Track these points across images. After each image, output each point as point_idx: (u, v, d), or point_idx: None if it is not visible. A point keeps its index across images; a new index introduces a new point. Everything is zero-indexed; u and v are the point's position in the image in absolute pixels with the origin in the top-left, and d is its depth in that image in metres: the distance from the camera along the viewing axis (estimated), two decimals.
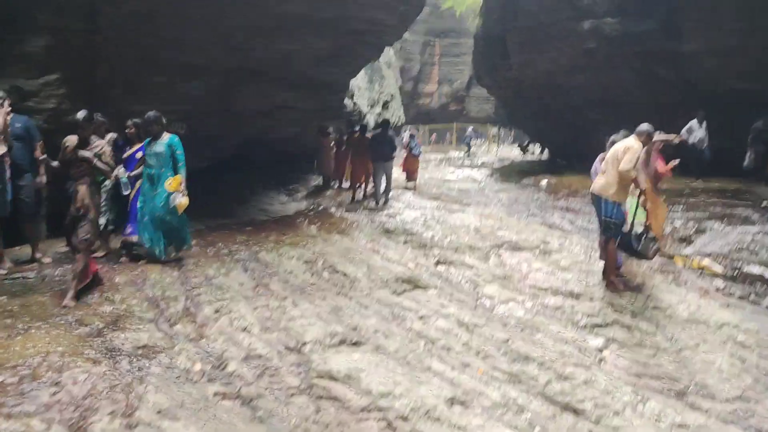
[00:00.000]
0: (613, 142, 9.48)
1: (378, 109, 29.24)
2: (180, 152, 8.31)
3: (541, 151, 31.09)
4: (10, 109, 7.46)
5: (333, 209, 13.63)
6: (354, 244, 10.20)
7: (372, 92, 28.94)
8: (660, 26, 19.65)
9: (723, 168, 17.10)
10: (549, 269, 9.53)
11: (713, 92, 19.33)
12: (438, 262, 9.80)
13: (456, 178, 21.93)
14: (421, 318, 7.43)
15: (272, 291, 7.76)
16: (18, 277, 7.65)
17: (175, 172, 8.27)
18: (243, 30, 10.86)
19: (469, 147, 34.83)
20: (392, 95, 31.80)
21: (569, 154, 25.44)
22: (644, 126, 8.82)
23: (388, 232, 11.22)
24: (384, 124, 14.44)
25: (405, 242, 10.66)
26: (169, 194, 8.17)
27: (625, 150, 8.44)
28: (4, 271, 7.76)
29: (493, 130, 46.38)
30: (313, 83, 13.20)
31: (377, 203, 14.08)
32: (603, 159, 9.43)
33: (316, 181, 18.41)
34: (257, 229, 11.21)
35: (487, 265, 9.78)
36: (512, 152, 35.77)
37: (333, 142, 16.87)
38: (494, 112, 48.75)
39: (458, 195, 16.82)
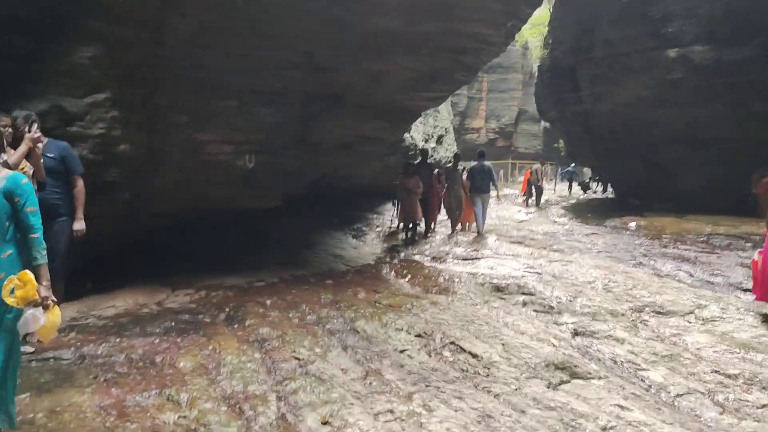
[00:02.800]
0: None
1: (432, 143, 27.12)
2: (29, 199, 3.82)
3: (604, 190, 28.64)
4: (39, 134, 5.28)
5: (417, 257, 11.45)
6: (468, 308, 7.89)
7: (426, 126, 27.01)
8: (759, 53, 17.33)
9: None
10: (724, 346, 7.09)
11: None
12: (576, 333, 7.46)
13: (529, 218, 19.58)
14: (604, 430, 5.10)
15: (388, 383, 5.49)
16: (50, 359, 5.53)
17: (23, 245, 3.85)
18: (326, 49, 8.83)
19: (571, 184, 31.82)
20: (446, 129, 29.67)
21: (644, 194, 23.03)
22: None
23: (499, 290, 8.91)
24: (480, 155, 13.98)
25: (524, 304, 8.34)
26: (16, 312, 3.74)
27: None
28: (32, 349, 5.62)
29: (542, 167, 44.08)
30: (401, 112, 11.14)
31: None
32: None
33: (387, 223, 16.30)
34: (340, 282, 9.02)
35: (640, 338, 7.39)
36: (564, 189, 33.29)
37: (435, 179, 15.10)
38: (543, 148, 46.65)
39: (546, 239, 14.49)
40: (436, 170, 16.33)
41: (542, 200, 25.64)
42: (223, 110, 8.50)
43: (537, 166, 25.72)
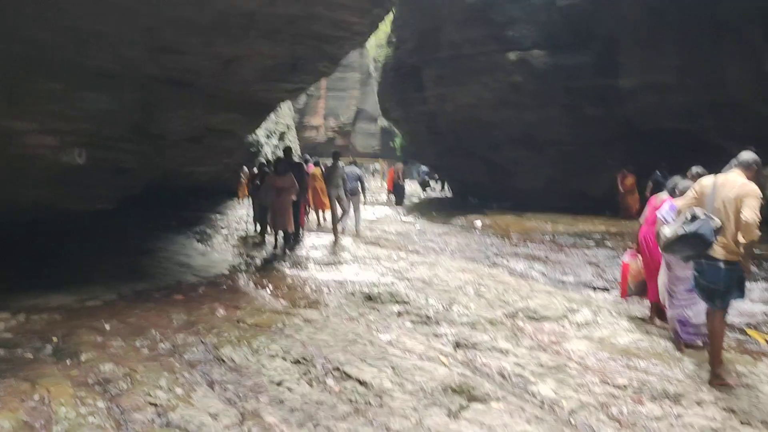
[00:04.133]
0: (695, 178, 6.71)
1: (275, 140, 25.97)
2: None
3: (442, 188, 28.94)
4: None
5: (275, 263, 10.36)
6: (345, 324, 6.96)
7: (268, 122, 25.78)
8: (594, 61, 18.02)
9: None
10: (606, 353, 6.73)
11: (645, 131, 17.90)
12: (458, 345, 6.82)
13: (377, 218, 19.02)
14: None
15: (270, 427, 4.46)
16: None
17: None
18: (172, 26, 7.50)
19: (427, 184, 30.62)
20: (288, 126, 28.58)
21: (482, 193, 23.43)
22: (749, 155, 5.51)
23: (371, 299, 8.09)
24: (335, 156, 12.87)
25: (400, 315, 7.59)
26: None
27: (741, 193, 5.26)
28: None
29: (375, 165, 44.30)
30: (256, 103, 9.96)
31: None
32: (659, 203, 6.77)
33: (235, 225, 14.95)
34: (192, 298, 7.75)
35: (523, 347, 6.89)
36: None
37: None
38: (380, 147, 46.76)
39: (400, 240, 13.98)
40: (316, 168, 15.30)
41: (377, 198, 25.39)
42: (45, 94, 6.91)
43: (399, 165, 25.30)
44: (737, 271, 5.38)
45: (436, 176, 28.98)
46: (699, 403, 5.51)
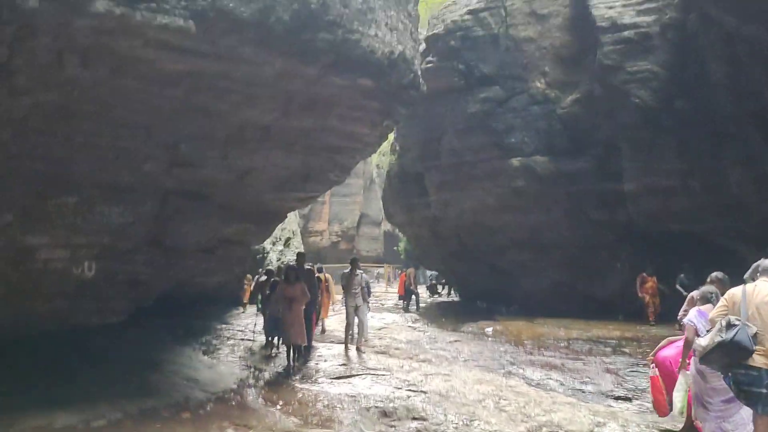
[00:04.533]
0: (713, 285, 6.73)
1: (280, 246, 25.94)
2: None
3: (449, 293, 28.61)
4: None
5: (284, 376, 10.01)
6: None
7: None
8: (595, 165, 18.22)
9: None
10: None
11: (651, 233, 17.85)
12: None
13: (386, 325, 18.63)
14: None
15: None
16: None
17: None
18: (191, 140, 7.58)
19: (435, 289, 30.07)
20: (293, 232, 28.62)
21: (490, 297, 23.11)
22: None
23: (386, 415, 7.72)
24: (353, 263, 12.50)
25: None
26: None
27: None
28: None
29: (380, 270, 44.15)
30: (268, 213, 9.94)
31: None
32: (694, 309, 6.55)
33: (239, 334, 14.60)
34: (200, 416, 7.39)
35: None
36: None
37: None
38: (383, 251, 46.77)
39: (411, 348, 13.58)
40: (320, 274, 14.57)
41: (385, 304, 24.92)
42: (60, 208, 6.88)
43: (411, 270, 24.92)
44: None
45: (443, 281, 28.72)
46: None
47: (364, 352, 11.66)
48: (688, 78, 15.07)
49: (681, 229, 16.90)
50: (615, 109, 16.95)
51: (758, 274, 5.62)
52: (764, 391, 5.22)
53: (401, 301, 23.99)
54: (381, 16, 7.85)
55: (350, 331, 12.20)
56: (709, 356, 5.40)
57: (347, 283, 12.14)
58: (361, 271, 12.61)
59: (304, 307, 10.69)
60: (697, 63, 14.95)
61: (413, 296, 23.37)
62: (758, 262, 5.71)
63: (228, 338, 14.48)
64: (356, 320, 12.31)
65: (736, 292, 5.59)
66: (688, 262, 15.99)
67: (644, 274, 16.87)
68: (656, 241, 17.64)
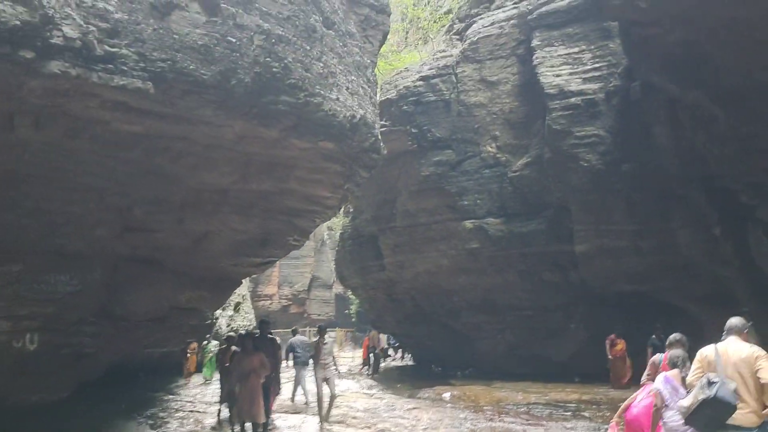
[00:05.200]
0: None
1: (230, 311, 25.20)
2: None
3: (402, 357, 28.18)
4: None
5: None
6: None
7: None
8: (547, 227, 18.42)
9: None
10: None
11: (604, 294, 17.99)
12: None
13: (341, 392, 18.06)
14: None
15: None
16: None
17: None
18: (145, 204, 7.26)
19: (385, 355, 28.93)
20: (243, 296, 27.92)
21: (445, 360, 22.81)
22: (740, 321, 5.80)
23: None
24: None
25: None
26: None
27: (757, 358, 5.35)
28: None
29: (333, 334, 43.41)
30: (224, 279, 9.56)
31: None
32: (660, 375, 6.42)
33: (188, 405, 13.86)
34: None
35: None
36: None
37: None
38: (335, 315, 46.02)
39: (368, 417, 13.09)
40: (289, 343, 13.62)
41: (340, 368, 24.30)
42: (4, 276, 6.42)
43: (374, 332, 24.49)
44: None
45: (396, 343, 28.35)
46: None
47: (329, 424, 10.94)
48: (634, 142, 15.49)
49: (633, 290, 17.08)
50: (564, 172, 17.24)
51: (728, 334, 5.71)
52: None
53: (364, 367, 23.57)
54: (342, 80, 7.80)
55: (322, 403, 11.23)
56: (693, 416, 5.37)
57: (316, 352, 11.22)
58: (332, 339, 11.92)
59: (263, 380, 9.80)
60: (642, 127, 15.39)
61: (376, 358, 23.14)
62: (728, 322, 5.80)
63: (176, 410, 13.75)
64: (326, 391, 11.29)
65: (707, 352, 5.65)
66: (642, 323, 16.14)
67: (613, 336, 16.81)
68: (609, 301, 17.78)
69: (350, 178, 8.79)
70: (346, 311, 43.86)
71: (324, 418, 10.94)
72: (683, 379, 6.02)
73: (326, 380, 10.96)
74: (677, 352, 6.49)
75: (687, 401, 5.44)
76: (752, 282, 13.81)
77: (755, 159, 11.86)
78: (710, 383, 5.24)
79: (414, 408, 14.30)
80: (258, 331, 11.32)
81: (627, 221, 16.30)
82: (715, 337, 5.98)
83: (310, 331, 43.03)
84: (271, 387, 10.46)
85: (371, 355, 23.45)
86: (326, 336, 11.67)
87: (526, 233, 18.68)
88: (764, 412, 5.21)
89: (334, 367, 11.52)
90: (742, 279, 14.05)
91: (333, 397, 11.27)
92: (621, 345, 16.66)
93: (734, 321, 5.80)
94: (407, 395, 16.86)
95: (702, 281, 15.23)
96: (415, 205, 20.39)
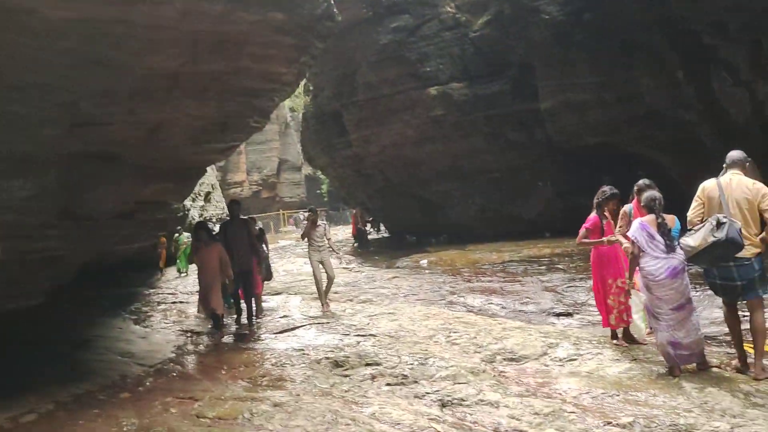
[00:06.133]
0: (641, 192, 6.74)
1: (200, 201, 24.90)
2: None
3: (378, 230, 28.47)
4: None
5: (225, 338, 9.50)
6: (320, 402, 6.19)
7: None
8: (511, 87, 18.11)
9: None
10: (600, 389, 6.25)
11: (569, 149, 18.01)
12: (443, 405, 6.18)
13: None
14: None
15: None
16: None
17: None
18: (91, 97, 6.73)
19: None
20: (213, 186, 27.53)
21: (418, 229, 23.08)
22: (740, 153, 5.78)
23: (339, 365, 7.37)
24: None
25: (374, 378, 6.91)
26: None
27: (759, 192, 5.49)
28: None
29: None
30: (187, 169, 9.17)
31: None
32: (636, 221, 6.36)
33: (170, 297, 13.87)
34: (141, 394, 6.80)
35: (512, 396, 6.31)
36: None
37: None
38: (306, 196, 46.09)
39: (350, 290, 13.30)
40: (259, 227, 12.75)
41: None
42: None
43: (358, 209, 24.67)
44: (761, 262, 5.61)
45: (370, 218, 28.61)
46: None
47: (328, 307, 10.80)
48: None
49: (598, 142, 17.11)
50: (526, 28, 16.74)
51: (728, 167, 5.72)
52: (757, 275, 5.57)
53: (355, 243, 23.98)
54: None
55: (321, 289, 10.81)
56: (699, 255, 5.56)
57: (309, 235, 10.75)
58: (324, 222, 11.47)
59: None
60: None
61: (365, 234, 23.55)
62: (728, 155, 5.77)
63: (159, 303, 13.78)
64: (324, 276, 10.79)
65: (710, 187, 5.69)
66: (610, 174, 16.28)
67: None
68: (575, 156, 17.84)
69: (305, 51, 8.24)
70: (318, 191, 43.97)
71: (323, 301, 10.76)
72: (659, 225, 5.97)
73: (322, 263, 10.73)
74: (652, 194, 6.34)
75: (694, 241, 5.53)
76: (716, 124, 13.85)
77: None
78: (719, 224, 5.34)
79: (394, 277, 14.54)
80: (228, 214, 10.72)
81: (590, 74, 16.06)
82: (682, 182, 5.97)
83: (282, 214, 43.26)
84: (253, 273, 10.21)
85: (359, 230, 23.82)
86: (319, 218, 11.23)
87: (490, 95, 18.39)
88: (760, 237, 5.50)
89: (330, 249, 11.02)
90: (706, 122, 14.06)
91: (330, 279, 10.84)
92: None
93: (735, 154, 5.76)
94: (385, 266, 17.13)
95: (666, 128, 15.25)
96: (376, 77, 19.79)
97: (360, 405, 6.11)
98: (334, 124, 21.92)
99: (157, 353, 8.84)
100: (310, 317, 10.32)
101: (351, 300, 12.22)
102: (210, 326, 10.10)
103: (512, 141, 18.91)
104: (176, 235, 18.65)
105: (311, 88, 23.42)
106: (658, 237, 5.96)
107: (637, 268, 6.19)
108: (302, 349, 8.13)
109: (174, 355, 8.74)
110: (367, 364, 7.29)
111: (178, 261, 18.66)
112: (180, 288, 15.56)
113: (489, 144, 19.27)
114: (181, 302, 13.45)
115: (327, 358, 7.64)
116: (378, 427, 5.44)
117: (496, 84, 18.20)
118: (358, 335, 8.64)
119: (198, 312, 11.12)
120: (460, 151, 19.69)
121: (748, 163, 5.75)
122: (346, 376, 7.08)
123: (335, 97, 21.44)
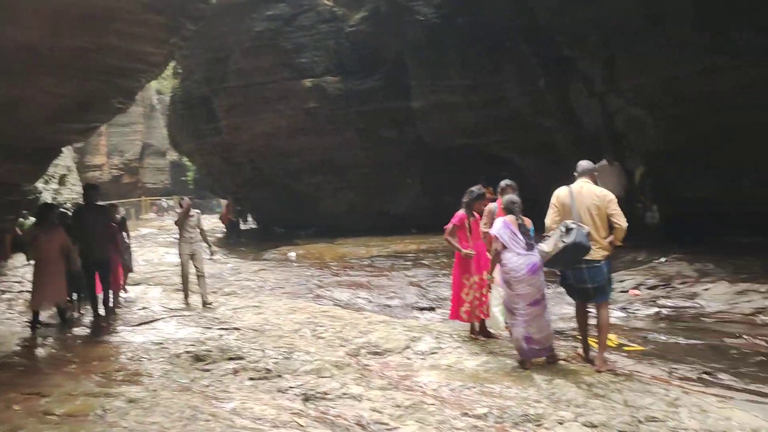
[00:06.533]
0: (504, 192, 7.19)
1: (54, 184, 23.22)
2: None
3: (244, 220, 27.89)
4: None
5: (76, 329, 8.93)
6: (179, 398, 5.96)
7: None
8: (384, 84, 18.36)
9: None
10: (458, 381, 6.49)
11: (439, 149, 18.53)
12: (306, 399, 6.17)
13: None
14: None
15: None
16: None
17: None
18: None
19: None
20: (69, 168, 25.72)
21: (288, 222, 22.86)
22: (588, 164, 6.37)
23: (200, 359, 7.13)
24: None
25: (236, 373, 6.77)
26: None
27: (609, 201, 6.00)
28: None
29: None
30: (44, 149, 8.48)
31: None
32: (499, 220, 6.68)
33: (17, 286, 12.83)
34: None
35: (375, 389, 6.40)
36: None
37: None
38: (171, 183, 44.21)
39: (213, 281, 12.84)
40: (120, 215, 11.64)
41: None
42: None
43: (228, 200, 23.92)
44: (609, 265, 6.14)
45: (239, 208, 28.00)
46: (561, 423, 5.40)
47: (211, 304, 10.18)
48: None
49: (465, 143, 17.70)
50: (401, 27, 16.99)
51: (579, 176, 6.24)
52: (604, 280, 6.09)
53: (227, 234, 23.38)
54: None
55: (187, 285, 10.23)
56: (554, 259, 5.99)
57: (181, 225, 10.00)
58: (198, 212, 10.36)
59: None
60: None
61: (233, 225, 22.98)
62: (578, 165, 6.33)
63: (3, 292, 12.72)
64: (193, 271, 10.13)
65: (563, 194, 6.15)
66: (475, 174, 16.89)
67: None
68: (443, 156, 18.36)
69: (176, 32, 7.90)
70: (183, 178, 42.37)
71: (205, 302, 10.03)
72: (519, 225, 6.32)
73: (192, 256, 10.13)
74: (512, 197, 6.71)
75: (548, 246, 5.97)
76: (571, 132, 14.73)
77: (577, 10, 12.19)
78: (568, 230, 5.78)
79: (260, 270, 14.32)
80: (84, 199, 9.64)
81: (460, 76, 16.56)
82: (539, 184, 6.35)
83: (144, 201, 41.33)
84: (111, 263, 9.56)
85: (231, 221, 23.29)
86: (191, 208, 10.35)
87: (364, 91, 18.52)
88: (607, 241, 5.99)
89: (203, 243, 10.31)
90: (563, 129, 14.92)
91: (201, 276, 10.11)
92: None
93: (584, 164, 6.30)
94: (252, 258, 16.84)
95: (528, 133, 16.01)
96: (249, 64, 19.37)
97: (221, 400, 5.95)
98: (204, 109, 21.19)
99: (1, 346, 8.15)
100: (171, 309, 9.94)
101: (215, 292, 11.88)
102: (59, 319, 9.40)
103: (384, 137, 19.16)
104: (21, 219, 17.24)
105: (180, 70, 22.50)
106: (520, 235, 6.30)
107: (498, 264, 6.51)
108: (161, 343, 7.81)
109: (19, 348, 8.11)
110: (230, 359, 7.13)
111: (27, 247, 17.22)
112: (28, 276, 14.44)
113: (361, 139, 19.42)
114: (28, 291, 12.47)
115: (187, 352, 7.38)
116: (239, 422, 5.32)
117: (370, 80, 18.37)
118: (221, 329, 8.44)
119: (30, 306, 9.63)
120: (332, 144, 19.70)
121: (595, 172, 6.33)
122: (207, 370, 6.88)
123: (205, 81, 20.74)
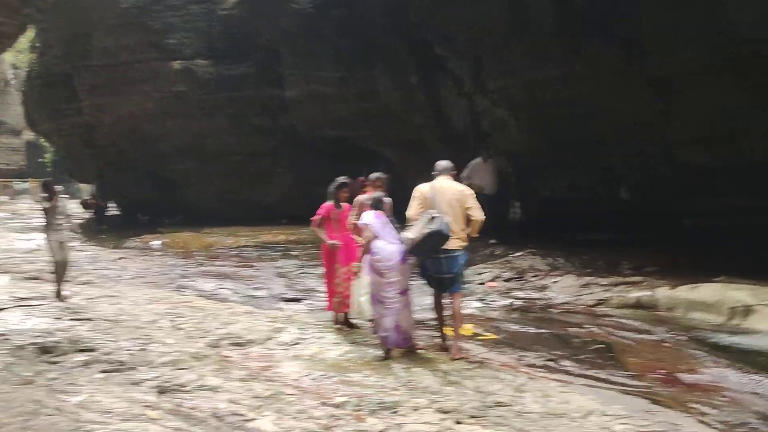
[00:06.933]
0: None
1: None
2: None
3: (105, 206, 26.51)
4: None
5: None
6: (19, 391, 5.58)
7: None
8: (257, 71, 18.10)
9: None
10: (319, 371, 6.55)
11: (311, 139, 18.52)
12: (161, 391, 6.00)
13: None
14: None
15: None
16: None
17: None
18: None
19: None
20: None
21: (152, 209, 21.99)
22: (447, 163, 6.81)
23: (47, 352, 6.72)
24: None
25: (87, 365, 6.43)
26: None
27: (467, 196, 6.48)
28: None
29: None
30: None
31: None
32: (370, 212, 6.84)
33: None
34: None
35: (234, 381, 6.33)
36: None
37: None
38: (27, 164, 41.13)
39: (69, 270, 12.20)
40: None
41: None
42: None
43: (93, 184, 22.67)
44: (466, 257, 6.61)
45: (100, 193, 26.58)
46: (416, 409, 5.60)
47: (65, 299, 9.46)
48: None
49: (337, 135, 17.81)
50: (276, 14, 16.80)
51: (440, 173, 6.64)
52: (459, 270, 6.53)
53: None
54: None
55: (62, 272, 9.51)
56: (418, 247, 6.22)
57: (49, 213, 9.35)
58: (64, 197, 9.88)
59: None
60: None
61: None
62: (437, 164, 6.74)
63: None
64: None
65: (425, 189, 6.52)
66: (343, 165, 17.05)
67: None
68: (315, 147, 18.38)
69: (30, 2, 7.39)
70: (40, 160, 39.58)
71: (59, 293, 9.33)
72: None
73: (61, 244, 9.44)
74: (378, 194, 6.91)
75: (413, 234, 6.23)
76: (440, 128, 15.20)
77: (447, 11, 12.58)
78: (432, 219, 6.08)
79: (120, 258, 13.72)
80: None
81: (334, 68, 16.62)
82: (406, 179, 6.59)
83: None
84: None
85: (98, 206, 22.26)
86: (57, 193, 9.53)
87: (235, 76, 18.21)
88: (464, 233, 6.42)
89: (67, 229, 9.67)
90: (433, 126, 15.36)
91: (66, 263, 9.56)
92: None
93: (443, 163, 6.73)
94: (112, 246, 16.06)
95: (398, 128, 16.35)
96: (114, 42, 18.44)
97: (68, 394, 5.64)
98: (64, 87, 19.92)
99: None
100: (18, 299, 9.28)
101: (69, 281, 11.23)
102: None
103: (255, 125, 18.92)
104: None
105: (38, 44, 20.98)
106: (389, 227, 6.49)
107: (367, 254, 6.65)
108: (4, 334, 7.28)
109: None
110: (81, 350, 6.77)
111: None
112: None
113: (232, 126, 19.05)
114: None
115: (33, 344, 6.92)
116: (86, 416, 5.07)
117: (242, 66, 18.05)
118: (73, 319, 7.98)
119: None
120: (202, 130, 19.18)
121: (454, 171, 6.79)
122: (54, 363, 6.49)
123: (66, 57, 19.48)
